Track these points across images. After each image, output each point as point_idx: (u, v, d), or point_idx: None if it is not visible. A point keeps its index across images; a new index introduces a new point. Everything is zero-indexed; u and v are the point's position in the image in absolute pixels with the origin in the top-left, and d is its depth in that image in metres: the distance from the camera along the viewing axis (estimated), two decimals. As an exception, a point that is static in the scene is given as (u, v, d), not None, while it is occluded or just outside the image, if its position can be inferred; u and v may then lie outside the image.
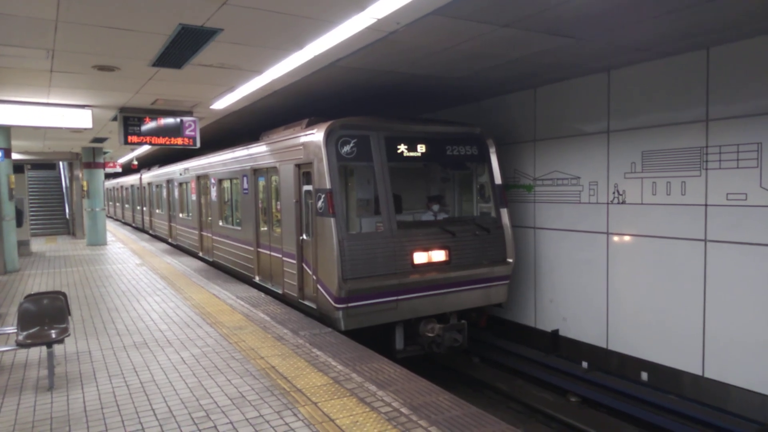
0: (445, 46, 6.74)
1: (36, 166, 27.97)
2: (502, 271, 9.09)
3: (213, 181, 14.17)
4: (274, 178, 10.26)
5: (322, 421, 4.65)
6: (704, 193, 7.02)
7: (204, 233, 15.66)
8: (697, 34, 6.45)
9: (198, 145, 11.26)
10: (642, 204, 7.84)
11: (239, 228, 12.28)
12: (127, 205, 32.97)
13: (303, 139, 8.58)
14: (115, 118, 11.44)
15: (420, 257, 8.32)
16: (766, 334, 6.54)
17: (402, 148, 8.53)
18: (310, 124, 8.80)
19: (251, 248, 11.42)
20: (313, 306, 8.44)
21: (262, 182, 11.01)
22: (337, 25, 5.72)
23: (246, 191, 11.57)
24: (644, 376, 7.96)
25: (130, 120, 10.75)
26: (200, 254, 15.87)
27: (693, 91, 7.12)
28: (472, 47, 6.78)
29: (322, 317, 8.17)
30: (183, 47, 6.50)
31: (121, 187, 34.71)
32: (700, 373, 7.23)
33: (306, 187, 8.74)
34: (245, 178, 11.60)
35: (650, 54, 7.30)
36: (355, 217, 9.10)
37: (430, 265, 8.39)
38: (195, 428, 4.57)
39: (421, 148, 8.73)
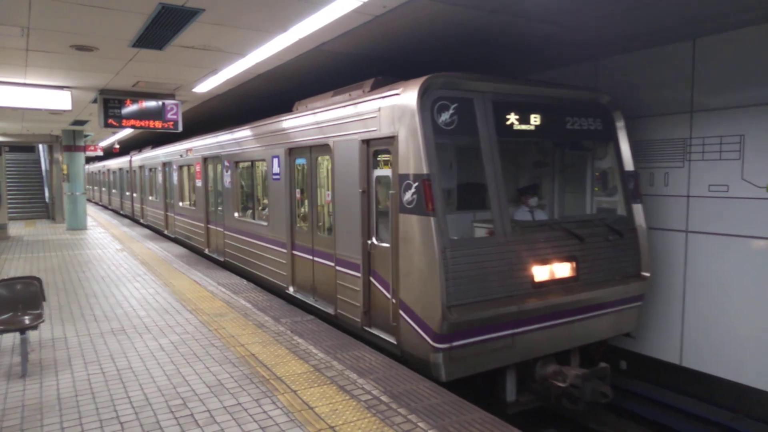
0: (432, 31, 6.64)
1: (14, 148, 27.38)
2: (636, 290, 7.01)
3: (227, 164, 11.98)
4: (322, 159, 8.12)
5: (301, 409, 4.62)
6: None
7: (213, 227, 13.46)
8: (683, 25, 6.43)
9: (180, 129, 11.04)
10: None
11: (265, 223, 10.05)
12: (114, 191, 31.16)
13: (379, 103, 6.29)
14: (95, 100, 11.17)
15: (542, 272, 6.21)
16: None
17: (512, 118, 6.35)
18: (379, 86, 6.84)
19: (283, 250, 9.22)
20: (391, 340, 6.28)
21: (301, 165, 8.83)
22: (323, 6, 5.59)
23: (277, 176, 9.32)
24: None
25: (110, 102, 10.51)
26: (206, 251, 13.79)
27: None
28: (461, 33, 6.69)
29: (405, 357, 6.08)
30: (164, 27, 6.32)
31: (108, 170, 32.80)
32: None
33: (380, 172, 6.61)
34: (276, 160, 9.36)
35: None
36: (455, 215, 6.80)
37: (554, 283, 6.31)
38: (171, 416, 4.49)
39: (535, 120, 6.52)
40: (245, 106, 12.90)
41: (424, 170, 5.61)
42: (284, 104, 9.94)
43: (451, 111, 5.90)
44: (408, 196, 5.81)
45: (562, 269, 6.41)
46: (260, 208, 11.00)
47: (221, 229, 12.62)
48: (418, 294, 5.76)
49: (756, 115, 6.33)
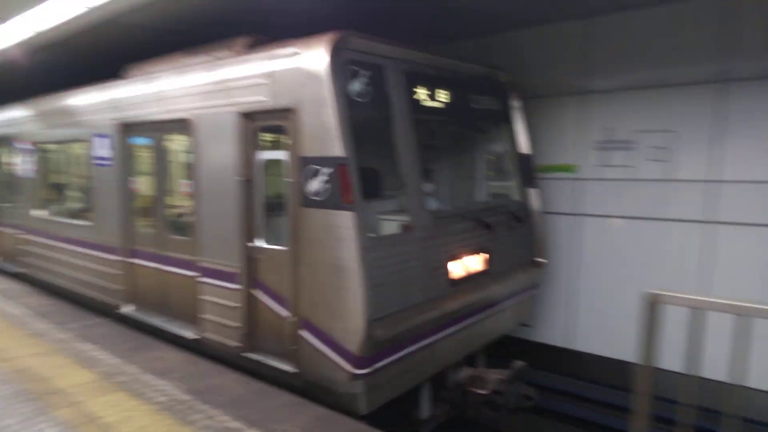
0: None
1: None
2: (536, 277, 6.73)
3: (24, 147, 9.44)
4: (175, 138, 6.34)
5: (83, 422, 4.16)
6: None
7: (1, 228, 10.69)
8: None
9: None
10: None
11: (84, 223, 7.85)
12: None
13: (270, 66, 4.89)
14: None
15: (457, 268, 5.49)
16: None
17: (422, 93, 5.43)
18: (260, 44, 5.24)
19: (114, 257, 7.13)
20: (288, 368, 4.96)
21: (142, 146, 6.84)
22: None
23: (103, 161, 7.25)
24: None
25: None
26: None
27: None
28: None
29: (309, 388, 4.84)
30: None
31: None
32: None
33: (269, 155, 5.21)
34: (102, 141, 7.25)
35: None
36: (371, 208, 5.26)
37: (469, 279, 5.63)
38: None
39: (444, 96, 5.70)
40: (52, 73, 10.11)
41: (340, 152, 4.41)
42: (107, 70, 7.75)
43: (364, 79, 4.77)
44: (315, 185, 4.57)
45: (476, 262, 5.79)
46: (76, 203, 8.62)
47: (14, 232, 9.96)
48: (331, 308, 4.56)
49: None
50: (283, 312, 5.00)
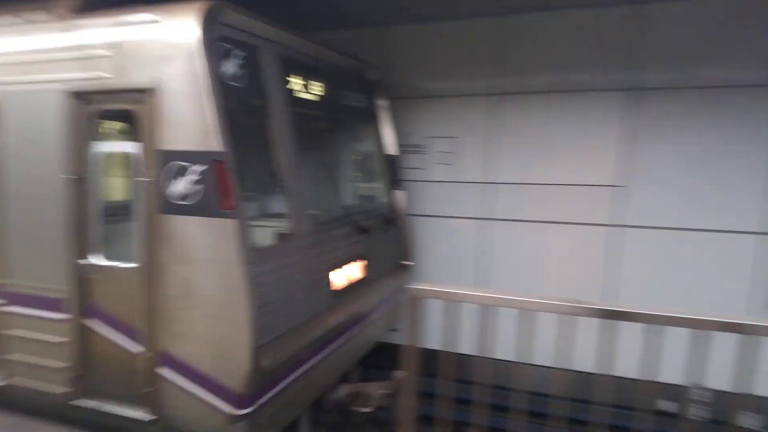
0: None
1: None
2: (405, 281, 6.22)
3: None
4: None
5: None
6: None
7: None
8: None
9: None
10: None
11: None
12: None
13: (118, 34, 3.83)
14: None
15: (339, 278, 4.93)
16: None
17: (298, 83, 4.76)
18: (96, 8, 4.05)
19: None
20: (142, 416, 3.94)
21: None
22: None
23: None
24: None
25: None
26: None
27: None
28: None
29: None
30: None
31: None
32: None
33: (111, 147, 4.19)
34: None
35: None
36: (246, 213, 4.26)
37: (349, 289, 5.11)
38: None
39: (318, 89, 5.12)
40: None
41: (218, 146, 3.56)
42: None
43: (238, 60, 3.96)
44: (181, 186, 3.66)
45: (355, 270, 5.31)
46: None
47: None
48: (204, 338, 3.70)
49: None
50: (134, 346, 3.95)
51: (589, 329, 2.62)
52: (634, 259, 6.08)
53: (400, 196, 6.55)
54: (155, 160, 3.71)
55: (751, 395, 2.74)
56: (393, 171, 6.54)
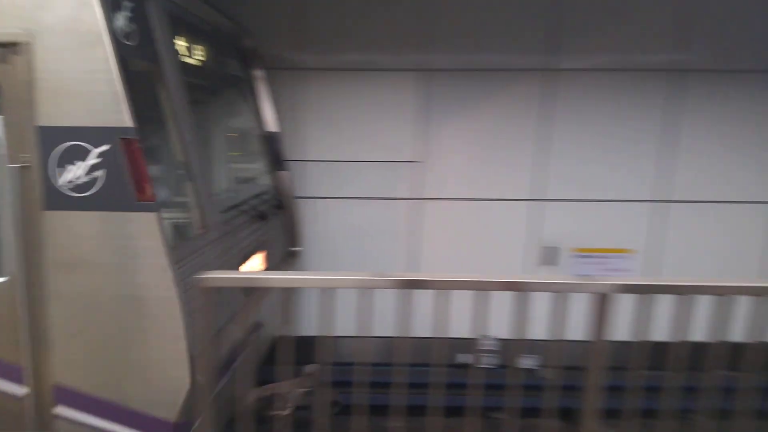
0: None
1: None
2: (294, 269, 5.78)
3: None
4: None
5: None
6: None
7: None
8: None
9: None
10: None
11: None
12: None
13: None
14: None
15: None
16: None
17: (183, 45, 4.00)
18: None
19: None
20: None
21: None
22: None
23: None
24: None
25: None
26: None
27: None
28: None
29: None
30: None
31: None
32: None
33: None
34: None
35: None
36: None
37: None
38: None
39: (201, 54, 4.41)
40: None
41: (126, 120, 2.81)
42: None
43: (127, 13, 3.15)
44: (75, 173, 2.83)
45: (259, 262, 4.80)
46: None
47: None
48: (123, 362, 2.97)
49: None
50: (14, 388, 3.01)
51: (388, 298, 2.77)
52: (432, 229, 6.54)
53: (284, 177, 6.06)
54: (33, 140, 2.80)
55: (525, 340, 2.96)
56: (274, 150, 6.00)
